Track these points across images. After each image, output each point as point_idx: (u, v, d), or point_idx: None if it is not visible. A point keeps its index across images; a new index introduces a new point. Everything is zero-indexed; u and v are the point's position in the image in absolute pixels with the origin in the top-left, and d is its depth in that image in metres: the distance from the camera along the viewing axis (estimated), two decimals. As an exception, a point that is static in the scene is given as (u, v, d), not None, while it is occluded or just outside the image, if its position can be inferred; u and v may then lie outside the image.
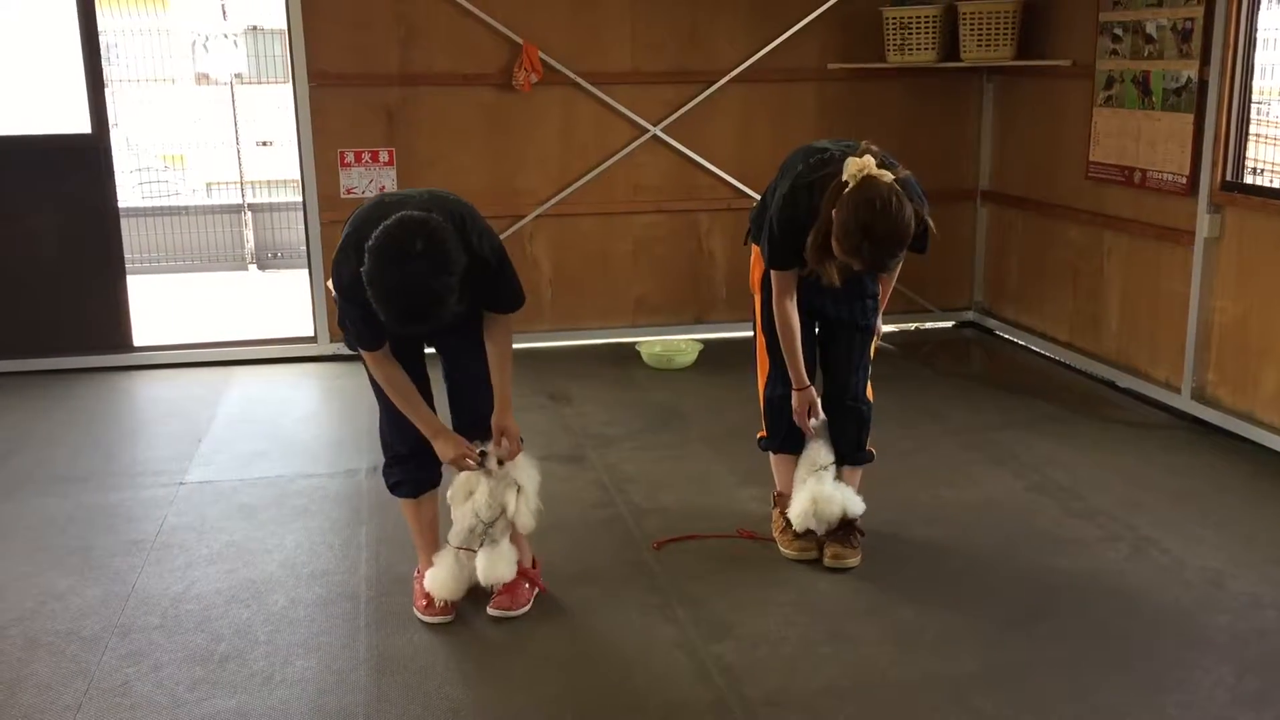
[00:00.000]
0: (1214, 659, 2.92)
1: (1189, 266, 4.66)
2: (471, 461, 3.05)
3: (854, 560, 3.46)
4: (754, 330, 3.59)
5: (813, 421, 3.44)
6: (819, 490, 3.42)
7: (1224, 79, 4.43)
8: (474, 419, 3.12)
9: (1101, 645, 3.00)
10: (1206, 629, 3.07)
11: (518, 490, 3.09)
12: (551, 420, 4.80)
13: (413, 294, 2.63)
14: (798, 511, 3.45)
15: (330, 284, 3.03)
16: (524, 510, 3.10)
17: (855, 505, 3.48)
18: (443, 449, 3.04)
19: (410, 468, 3.16)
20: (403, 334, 2.94)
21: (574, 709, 2.75)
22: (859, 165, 3.02)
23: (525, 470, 3.13)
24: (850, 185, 2.99)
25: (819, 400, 3.46)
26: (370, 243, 2.65)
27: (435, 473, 3.21)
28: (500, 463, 3.09)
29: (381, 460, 3.25)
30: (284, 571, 3.45)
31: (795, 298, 3.34)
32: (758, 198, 5.94)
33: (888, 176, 3.02)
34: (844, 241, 2.99)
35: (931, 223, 3.16)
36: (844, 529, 3.49)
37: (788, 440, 3.56)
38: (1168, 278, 4.85)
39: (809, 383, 3.41)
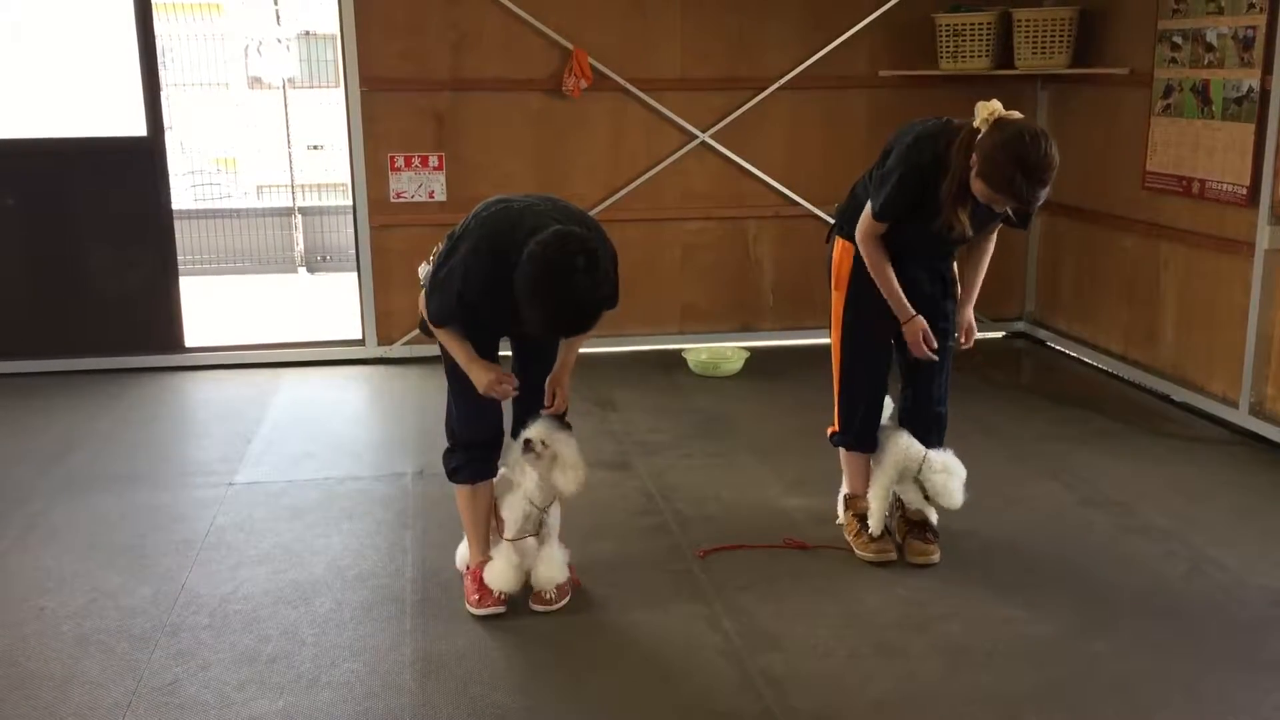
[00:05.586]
0: (1274, 680, 2.85)
1: (1248, 278, 4.56)
2: (508, 387, 3.03)
3: (936, 555, 3.47)
4: (830, 325, 3.55)
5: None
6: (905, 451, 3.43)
7: (1287, 88, 4.34)
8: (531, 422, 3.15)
9: (1158, 664, 2.93)
10: (1266, 649, 3.00)
11: (557, 461, 3.08)
12: (597, 427, 4.79)
13: (575, 308, 2.73)
14: (875, 515, 3.49)
15: (428, 270, 3.06)
16: (566, 477, 3.08)
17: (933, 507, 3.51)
18: (478, 376, 3.03)
19: (471, 455, 3.21)
20: (516, 334, 3.10)
21: (619, 717, 2.74)
22: (989, 109, 3.04)
23: (562, 442, 3.11)
24: (985, 128, 3.00)
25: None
26: (530, 253, 2.70)
27: (494, 465, 3.25)
28: (544, 445, 3.08)
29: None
30: (330, 573, 3.46)
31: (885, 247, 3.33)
32: (807, 205, 6.00)
33: (1016, 115, 3.03)
34: (994, 177, 2.97)
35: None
36: (920, 525, 3.51)
37: (862, 437, 3.54)
38: (1226, 290, 4.76)
39: (914, 313, 3.36)
